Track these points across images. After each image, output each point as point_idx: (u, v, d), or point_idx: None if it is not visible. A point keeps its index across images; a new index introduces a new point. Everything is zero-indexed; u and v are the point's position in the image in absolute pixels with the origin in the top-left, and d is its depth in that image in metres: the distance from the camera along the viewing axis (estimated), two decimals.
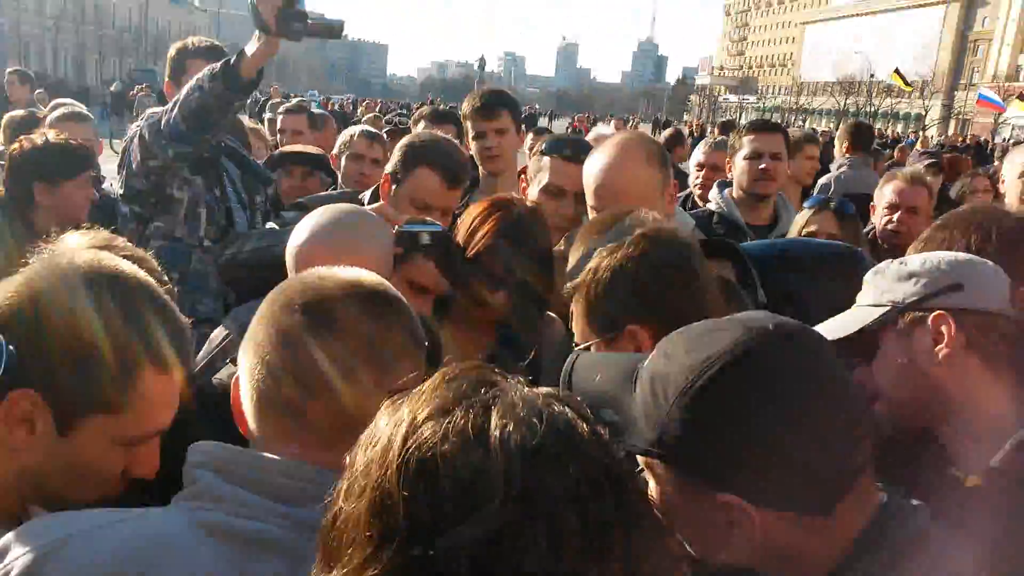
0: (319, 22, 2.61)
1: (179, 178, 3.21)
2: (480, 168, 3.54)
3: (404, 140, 2.92)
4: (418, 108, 6.87)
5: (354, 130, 4.16)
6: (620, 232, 1.66)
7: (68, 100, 5.93)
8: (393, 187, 2.77)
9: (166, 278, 1.78)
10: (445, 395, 0.81)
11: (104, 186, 4.47)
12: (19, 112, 6.11)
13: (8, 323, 1.15)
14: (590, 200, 2.43)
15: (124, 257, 1.68)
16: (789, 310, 1.95)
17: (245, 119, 6.25)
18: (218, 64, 2.70)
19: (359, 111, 19.54)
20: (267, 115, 7.99)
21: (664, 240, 1.63)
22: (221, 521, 1.03)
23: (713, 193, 3.81)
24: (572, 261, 2.03)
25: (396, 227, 2.20)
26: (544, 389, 0.84)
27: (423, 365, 1.15)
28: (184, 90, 2.83)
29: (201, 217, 3.23)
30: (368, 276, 1.20)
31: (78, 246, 1.78)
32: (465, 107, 3.64)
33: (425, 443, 0.77)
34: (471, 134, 3.55)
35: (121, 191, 3.28)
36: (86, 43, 74.10)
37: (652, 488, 1.13)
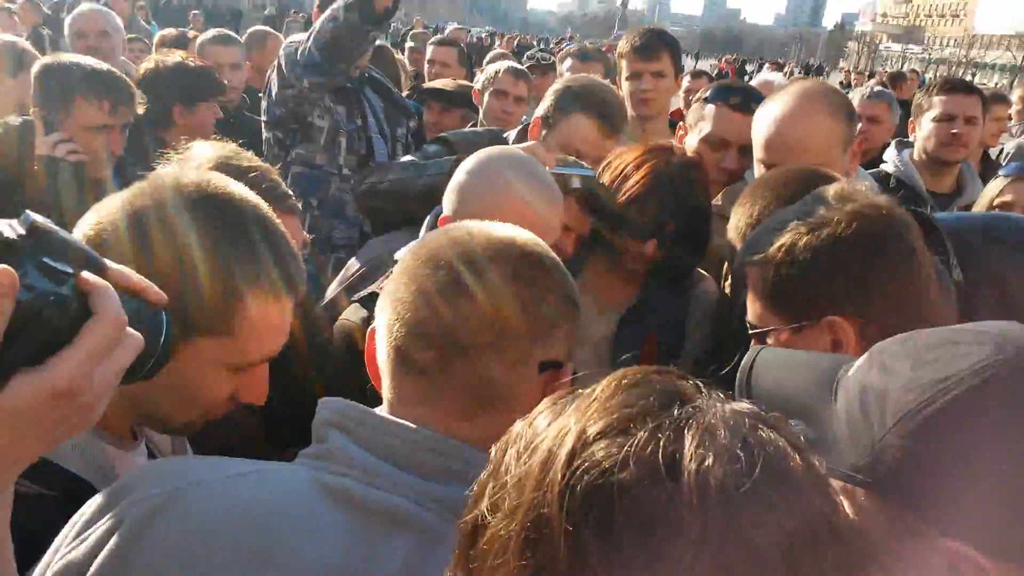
0: None
1: (320, 106, 3.26)
2: (631, 111, 3.29)
3: (559, 83, 2.76)
4: (557, 43, 6.60)
5: (499, 65, 4.01)
6: (817, 201, 1.42)
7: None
8: (544, 132, 2.62)
9: (290, 192, 1.72)
10: (625, 407, 0.66)
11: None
12: (171, 31, 6.29)
13: (108, 239, 1.11)
14: (759, 153, 2.22)
15: (248, 168, 1.72)
16: (993, 293, 1.76)
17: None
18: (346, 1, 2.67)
19: (497, 45, 19.30)
20: (408, 44, 7.99)
21: (882, 219, 1.38)
22: (351, 489, 0.95)
23: (891, 153, 3.45)
24: (739, 220, 1.84)
25: (547, 169, 2.10)
26: (746, 406, 0.68)
27: (575, 335, 1.08)
28: (319, 21, 2.82)
29: (341, 145, 3.27)
30: (522, 236, 1.10)
31: (205, 155, 1.78)
32: (622, 45, 3.42)
33: (597, 467, 0.63)
34: (625, 74, 3.32)
35: (264, 117, 3.33)
36: None
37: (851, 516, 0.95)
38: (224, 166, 1.70)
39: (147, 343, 0.87)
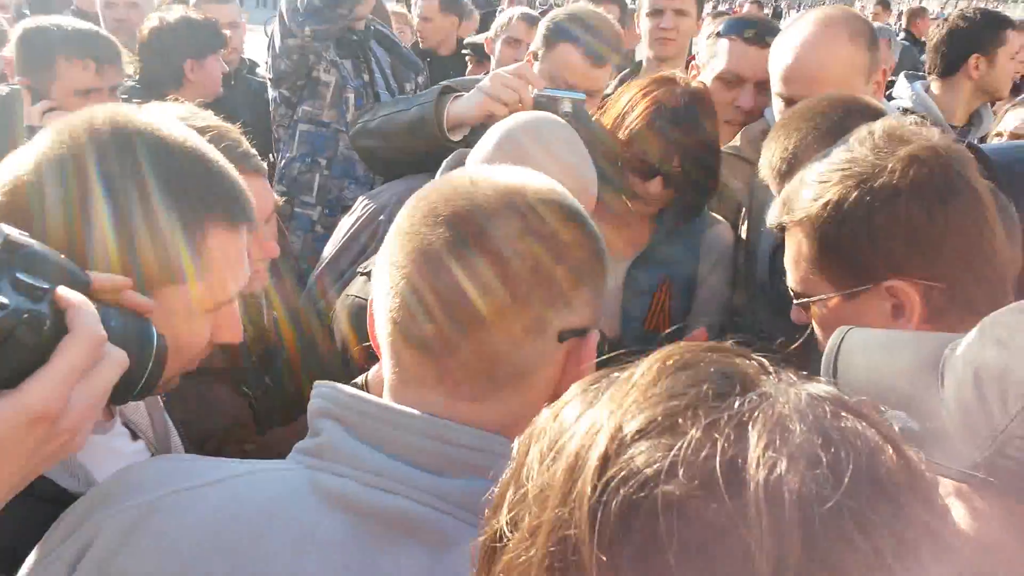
0: None
1: (326, 61, 3.21)
2: (648, 50, 3.16)
3: (548, 15, 2.63)
4: None
5: (513, 12, 3.89)
6: (863, 143, 1.25)
7: None
8: (535, 66, 2.50)
9: (253, 152, 1.65)
10: (671, 397, 0.53)
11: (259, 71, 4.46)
12: None
13: (29, 202, 0.96)
14: (777, 87, 2.13)
15: (204, 128, 1.54)
16: None
17: (390, 4, 6.10)
18: None
19: None
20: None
21: (942, 164, 1.19)
22: (350, 491, 0.84)
23: (902, 87, 3.30)
24: (772, 155, 1.71)
25: (536, 91, 2.07)
26: (824, 389, 0.55)
27: (602, 294, 0.94)
28: None
29: (349, 102, 3.20)
30: (536, 182, 0.94)
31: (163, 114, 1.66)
32: None
33: (637, 476, 0.50)
34: (646, 9, 3.14)
35: (270, 75, 3.31)
36: None
37: (965, 522, 0.81)
38: None
39: (135, 360, 0.82)
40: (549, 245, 0.88)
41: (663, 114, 2.03)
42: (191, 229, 1.02)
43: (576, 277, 0.89)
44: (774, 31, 2.43)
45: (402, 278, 0.88)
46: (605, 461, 0.52)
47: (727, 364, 0.57)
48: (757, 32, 2.45)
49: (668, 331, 2.11)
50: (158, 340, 0.89)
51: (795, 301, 1.34)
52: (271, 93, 3.41)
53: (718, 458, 0.49)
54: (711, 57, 2.54)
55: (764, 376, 0.56)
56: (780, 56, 2.11)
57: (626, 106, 2.10)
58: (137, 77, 3.33)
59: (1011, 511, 0.78)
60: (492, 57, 3.78)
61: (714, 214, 2.29)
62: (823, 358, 0.98)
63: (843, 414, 0.53)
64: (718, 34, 2.54)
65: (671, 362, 0.57)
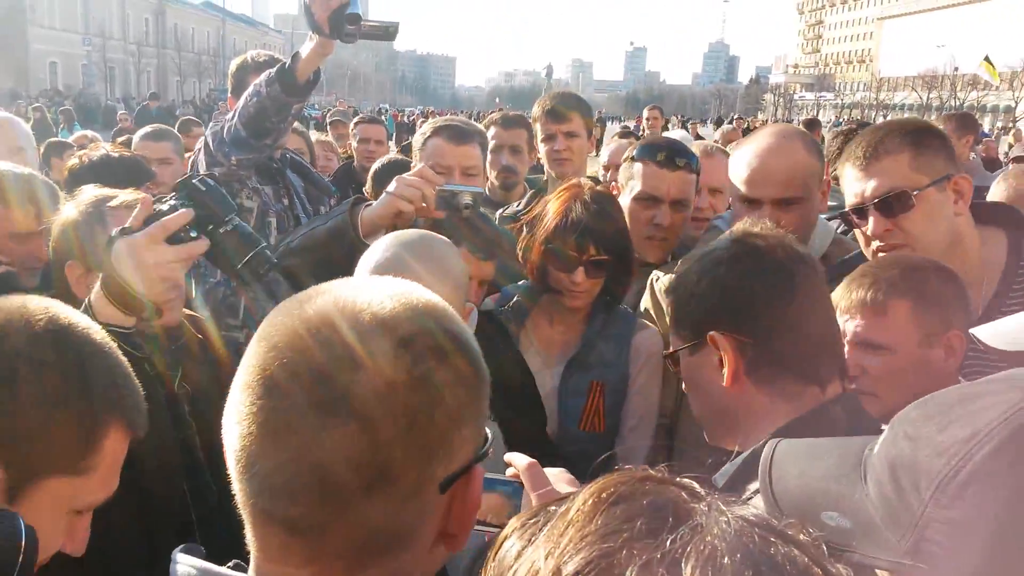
0: (373, 24, 2.57)
1: (248, 187, 3.25)
2: (548, 171, 3.48)
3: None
4: (487, 115, 6.88)
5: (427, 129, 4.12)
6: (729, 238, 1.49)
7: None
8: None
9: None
10: (606, 536, 0.53)
11: None
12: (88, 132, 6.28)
13: None
14: (742, 190, 2.29)
15: (123, 206, 1.81)
16: None
17: (313, 133, 6.36)
18: (274, 68, 2.72)
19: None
20: (329, 122, 8.15)
21: (762, 246, 1.40)
22: None
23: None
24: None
25: (438, 187, 2.21)
26: (752, 514, 0.56)
27: (484, 411, 0.87)
28: (243, 97, 2.85)
29: (271, 226, 3.24)
30: (406, 310, 0.81)
31: (89, 195, 1.91)
32: (535, 110, 3.58)
33: None
34: (540, 136, 3.50)
35: (201, 172, 3.31)
36: (167, 66, 76.81)
37: None
38: (101, 202, 1.87)
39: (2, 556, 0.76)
40: (423, 395, 0.76)
41: (575, 208, 2.24)
42: (99, 426, 1.06)
43: (455, 419, 0.79)
44: (683, 152, 2.66)
45: (256, 446, 0.76)
46: None
47: (660, 495, 0.56)
48: (667, 155, 2.61)
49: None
50: (26, 534, 0.84)
51: (663, 356, 1.52)
52: None
53: None
54: (628, 179, 2.69)
55: (695, 504, 0.56)
56: (745, 163, 2.28)
57: (542, 211, 2.32)
58: None
59: None
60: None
61: (643, 320, 2.44)
62: (760, 469, 1.04)
63: (772, 539, 0.54)
64: (633, 157, 2.69)
65: (606, 495, 0.56)
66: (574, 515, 0.56)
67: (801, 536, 0.56)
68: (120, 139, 5.57)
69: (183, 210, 1.60)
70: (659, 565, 0.50)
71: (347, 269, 2.08)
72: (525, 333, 2.39)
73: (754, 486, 1.16)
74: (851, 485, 0.91)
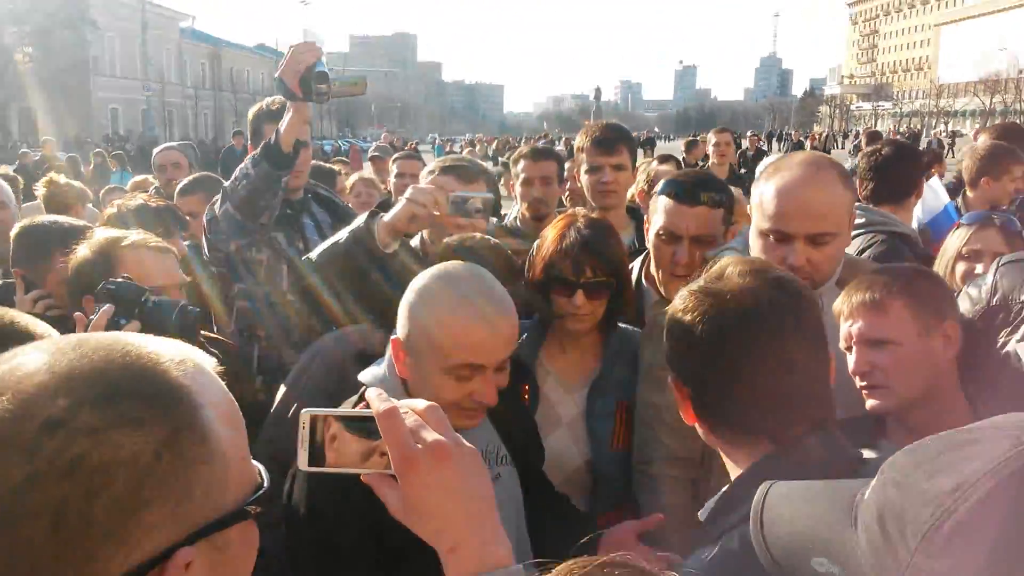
0: (342, 81, 2.78)
1: (256, 242, 3.24)
2: (590, 202, 3.41)
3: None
4: (536, 141, 6.55)
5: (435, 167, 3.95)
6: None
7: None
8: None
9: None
10: None
11: None
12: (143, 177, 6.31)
13: None
14: (768, 223, 2.09)
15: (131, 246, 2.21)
16: None
17: (363, 172, 6.27)
18: (257, 149, 2.84)
19: (477, 147, 19.73)
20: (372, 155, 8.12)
21: (732, 292, 1.36)
22: None
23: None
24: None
25: (451, 194, 2.33)
26: None
27: (205, 490, 0.74)
28: (229, 183, 2.92)
29: (283, 273, 3.21)
30: (50, 373, 0.71)
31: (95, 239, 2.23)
32: (581, 140, 3.51)
33: None
34: (584, 167, 3.41)
35: (207, 253, 3.37)
36: (224, 107, 79.98)
37: None
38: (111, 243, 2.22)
39: None
40: (72, 484, 0.65)
41: (570, 235, 2.31)
42: None
43: (129, 505, 0.67)
44: (709, 187, 2.52)
45: None
46: None
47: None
48: (689, 192, 2.51)
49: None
50: None
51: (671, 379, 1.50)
52: (211, 269, 3.40)
53: None
54: (653, 212, 2.63)
55: None
56: (778, 195, 2.09)
57: (540, 241, 2.41)
58: None
59: None
60: None
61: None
62: (752, 511, 1.05)
63: None
64: (658, 192, 2.63)
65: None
66: None
67: None
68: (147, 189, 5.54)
69: (105, 307, 1.92)
70: None
71: (366, 278, 2.32)
72: (539, 364, 2.42)
73: (734, 518, 1.28)
74: (841, 531, 0.92)
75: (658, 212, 2.57)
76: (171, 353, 0.77)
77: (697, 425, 1.43)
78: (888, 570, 0.82)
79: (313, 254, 2.49)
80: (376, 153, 8.52)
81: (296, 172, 3.10)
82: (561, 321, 2.35)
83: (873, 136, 9.48)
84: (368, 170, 7.07)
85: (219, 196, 2.99)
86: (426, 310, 1.73)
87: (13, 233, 2.78)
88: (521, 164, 3.64)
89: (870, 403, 1.90)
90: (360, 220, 2.42)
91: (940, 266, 2.71)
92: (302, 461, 1.03)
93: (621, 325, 2.45)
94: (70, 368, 0.71)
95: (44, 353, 0.72)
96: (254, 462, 0.84)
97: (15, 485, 0.64)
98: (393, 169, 5.63)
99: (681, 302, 1.41)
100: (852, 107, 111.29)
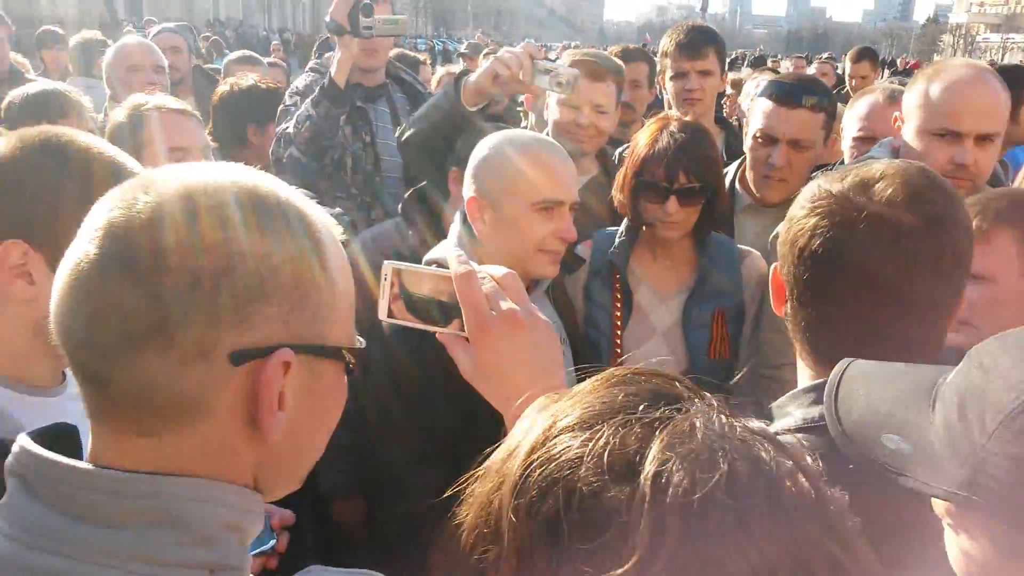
0: (385, 19, 2.94)
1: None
2: (675, 110, 3.21)
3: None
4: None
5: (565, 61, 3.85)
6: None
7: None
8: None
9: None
10: (602, 403, 0.61)
11: None
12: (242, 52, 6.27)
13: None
14: (936, 123, 2.15)
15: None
16: None
17: (445, 68, 6.20)
18: (316, 91, 2.97)
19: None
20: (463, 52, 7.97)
21: (869, 222, 1.20)
22: (8, 554, 0.75)
23: None
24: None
25: (536, 59, 2.40)
26: (755, 424, 0.60)
27: (314, 308, 0.83)
28: (291, 126, 3.01)
29: (347, 166, 3.23)
30: (223, 180, 0.83)
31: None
32: (666, 43, 3.31)
33: (554, 461, 0.57)
34: (670, 73, 3.24)
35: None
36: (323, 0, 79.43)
37: (954, 542, 0.88)
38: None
39: None
40: (214, 257, 0.76)
41: (663, 139, 2.23)
42: None
43: (253, 291, 0.77)
44: (813, 90, 2.48)
45: (59, 297, 0.80)
46: (533, 448, 0.59)
47: (663, 386, 0.62)
48: (791, 92, 2.48)
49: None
50: None
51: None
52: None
53: (622, 452, 0.55)
54: (751, 115, 2.64)
55: (695, 400, 0.61)
56: (944, 94, 2.15)
57: (632, 145, 2.34)
58: (210, 137, 3.51)
59: (993, 527, 0.81)
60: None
61: (742, 247, 2.45)
62: (827, 386, 1.04)
63: (764, 444, 0.57)
64: (759, 94, 2.63)
65: (614, 378, 0.63)
66: (580, 389, 0.64)
67: (796, 451, 0.58)
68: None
69: None
70: (635, 426, 0.57)
71: (450, 134, 2.39)
72: (631, 272, 2.38)
73: (798, 413, 1.24)
74: (918, 411, 0.91)
75: (756, 114, 2.56)
76: (310, 203, 0.87)
77: (786, 316, 1.35)
78: (960, 451, 0.81)
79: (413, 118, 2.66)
80: (466, 51, 8.42)
81: (371, 50, 3.13)
82: (652, 228, 2.31)
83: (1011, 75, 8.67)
84: (460, 66, 6.99)
85: (281, 140, 3.04)
86: (506, 156, 1.89)
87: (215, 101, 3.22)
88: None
89: (951, 336, 1.81)
90: (450, 84, 2.53)
91: None
92: (382, 311, 1.06)
93: (714, 233, 2.42)
94: (243, 181, 0.83)
95: (225, 170, 0.85)
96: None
97: (163, 249, 0.75)
98: (482, 65, 5.57)
99: (811, 199, 1.27)
100: (979, 38, 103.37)
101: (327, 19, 2.87)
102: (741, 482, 0.53)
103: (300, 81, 3.40)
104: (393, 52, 3.73)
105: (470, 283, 1.02)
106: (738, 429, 0.58)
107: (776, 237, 1.41)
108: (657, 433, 0.56)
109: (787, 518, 0.53)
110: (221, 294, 0.76)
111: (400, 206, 2.59)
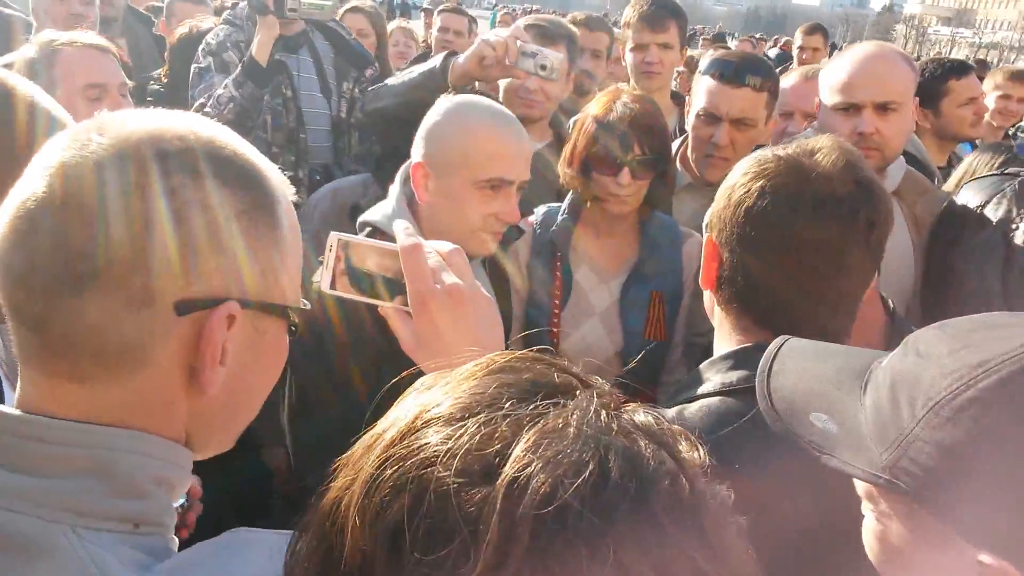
0: (310, 3, 2.89)
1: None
2: (633, 83, 3.22)
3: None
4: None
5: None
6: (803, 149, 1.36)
7: None
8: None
9: None
10: (474, 393, 0.56)
11: None
12: None
13: None
14: (837, 98, 2.25)
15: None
16: None
17: (399, 22, 6.06)
18: (238, 71, 2.91)
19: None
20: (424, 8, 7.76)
21: (817, 180, 1.27)
22: None
23: None
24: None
25: (521, 43, 2.42)
26: (639, 418, 0.57)
27: (273, 261, 0.84)
28: (210, 104, 2.94)
29: (267, 124, 3.12)
30: (182, 128, 0.82)
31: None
32: (628, 14, 3.29)
33: (410, 457, 0.53)
34: (630, 44, 3.22)
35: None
36: None
37: (871, 526, 0.89)
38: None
39: None
40: (166, 204, 0.75)
41: (616, 109, 2.19)
42: None
43: (203, 242, 0.77)
44: (755, 69, 2.47)
45: (2, 236, 0.77)
46: (393, 441, 0.55)
47: (543, 375, 0.58)
48: (736, 70, 2.44)
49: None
50: None
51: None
52: None
53: (479, 453, 0.51)
54: (694, 95, 2.58)
55: (579, 390, 0.57)
56: (842, 69, 2.27)
57: (582, 117, 2.28)
58: (164, 81, 3.52)
59: (908, 514, 0.81)
60: None
61: (684, 228, 2.41)
62: (761, 361, 1.04)
63: (642, 441, 0.54)
64: (700, 71, 2.58)
65: (493, 367, 0.59)
66: (457, 376, 0.59)
67: (686, 447, 0.56)
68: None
69: None
70: (503, 424, 0.53)
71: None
72: (572, 250, 2.33)
73: (716, 378, 1.29)
74: (849, 392, 0.91)
75: (700, 92, 2.51)
76: (265, 160, 0.87)
77: (709, 292, 1.38)
78: (887, 435, 0.81)
79: (383, 86, 2.68)
80: (428, 6, 8.28)
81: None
82: (599, 204, 2.25)
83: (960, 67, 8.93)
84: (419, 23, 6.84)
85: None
86: (458, 127, 1.82)
87: None
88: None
89: None
90: (436, 59, 2.51)
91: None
92: (325, 283, 1.05)
93: (656, 212, 2.39)
94: (203, 130, 0.83)
95: (192, 119, 0.84)
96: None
97: (110, 191, 0.74)
98: (436, 22, 5.41)
99: (758, 163, 1.31)
100: (929, 30, 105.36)
101: None
102: (610, 486, 0.50)
103: (212, 37, 3.20)
104: None
105: (416, 256, 1.02)
106: (621, 424, 0.54)
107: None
108: (524, 432, 0.52)
109: (654, 524, 0.50)
110: (171, 242, 0.75)
111: (374, 164, 2.58)
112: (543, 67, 2.36)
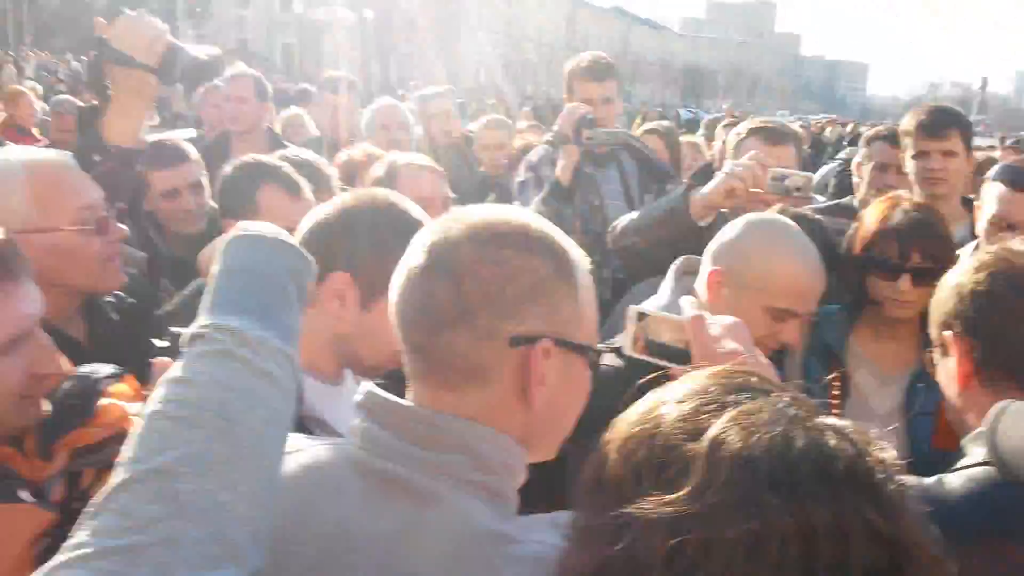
0: (608, 132, 3.21)
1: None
2: (916, 190, 3.12)
3: None
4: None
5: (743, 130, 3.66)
6: None
7: None
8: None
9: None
10: (695, 387, 0.80)
11: None
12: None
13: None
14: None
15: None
16: None
17: (688, 138, 6.17)
18: (545, 188, 3.24)
19: (827, 132, 17.93)
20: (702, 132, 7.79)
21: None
22: (363, 460, 1.07)
23: None
24: None
25: (769, 168, 2.42)
26: (831, 419, 0.77)
27: (571, 308, 1.08)
28: None
29: (576, 228, 3.35)
30: (509, 218, 1.10)
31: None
32: (907, 122, 3.28)
33: (653, 421, 0.78)
34: (910, 152, 3.20)
35: None
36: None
37: None
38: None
39: None
40: (500, 270, 1.03)
41: (895, 216, 2.19)
42: None
43: (526, 295, 1.04)
44: None
45: (396, 293, 1.09)
46: (644, 413, 0.81)
47: (750, 383, 0.80)
48: None
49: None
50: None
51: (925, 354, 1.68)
52: None
53: (694, 420, 0.75)
54: (984, 202, 2.58)
55: (773, 394, 0.79)
56: None
57: (862, 222, 2.28)
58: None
59: None
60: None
61: None
62: (988, 424, 1.25)
63: (828, 431, 0.73)
64: (992, 178, 2.58)
65: (716, 373, 0.83)
66: (687, 378, 0.84)
67: (873, 445, 0.73)
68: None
69: None
70: (714, 405, 0.76)
71: (682, 249, 2.30)
72: (850, 351, 2.29)
73: (963, 462, 1.34)
74: None
75: (989, 200, 2.51)
76: (566, 238, 1.12)
77: (964, 388, 1.46)
78: None
79: (632, 219, 2.75)
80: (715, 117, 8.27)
81: (602, 121, 3.30)
82: (877, 307, 2.22)
83: None
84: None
85: None
86: (765, 251, 1.92)
87: None
88: (749, 141, 3.24)
89: None
90: (676, 193, 2.58)
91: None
92: (627, 346, 1.36)
93: None
94: (534, 224, 1.11)
95: (523, 213, 1.15)
96: None
97: (468, 261, 1.03)
98: (722, 136, 5.40)
99: (976, 261, 1.50)
100: None
101: (554, 128, 3.19)
102: (794, 451, 0.69)
103: (534, 155, 3.69)
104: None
105: (702, 325, 1.27)
106: (809, 417, 0.74)
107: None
108: (728, 410, 0.74)
109: (832, 484, 0.68)
110: (505, 295, 1.02)
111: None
112: (797, 188, 2.39)
